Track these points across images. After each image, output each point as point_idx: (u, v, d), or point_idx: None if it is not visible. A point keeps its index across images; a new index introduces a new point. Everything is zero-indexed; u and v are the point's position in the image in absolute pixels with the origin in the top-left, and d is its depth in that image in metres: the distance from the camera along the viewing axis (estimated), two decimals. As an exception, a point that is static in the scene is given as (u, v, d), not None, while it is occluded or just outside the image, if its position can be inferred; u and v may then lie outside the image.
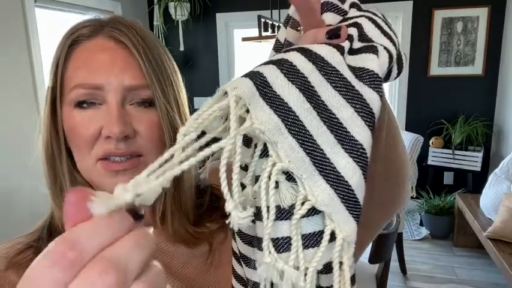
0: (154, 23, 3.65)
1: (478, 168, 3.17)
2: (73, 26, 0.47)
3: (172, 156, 0.24)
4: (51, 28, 2.81)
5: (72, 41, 0.46)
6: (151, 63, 0.45)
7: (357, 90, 0.26)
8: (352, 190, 0.26)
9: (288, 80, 0.25)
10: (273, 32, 2.45)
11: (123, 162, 0.45)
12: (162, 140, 0.47)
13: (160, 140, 0.47)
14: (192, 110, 0.44)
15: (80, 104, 0.45)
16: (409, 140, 2.61)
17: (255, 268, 0.38)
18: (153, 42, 0.47)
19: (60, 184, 0.49)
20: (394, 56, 0.31)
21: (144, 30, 0.48)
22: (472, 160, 3.18)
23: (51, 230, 0.50)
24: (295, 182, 0.26)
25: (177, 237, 0.51)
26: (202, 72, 3.80)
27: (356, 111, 0.26)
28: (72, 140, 0.47)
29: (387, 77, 0.33)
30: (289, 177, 0.26)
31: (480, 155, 3.17)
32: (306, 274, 0.25)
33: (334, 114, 0.25)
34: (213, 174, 0.58)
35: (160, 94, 0.46)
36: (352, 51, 0.29)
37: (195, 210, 0.53)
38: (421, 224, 3.35)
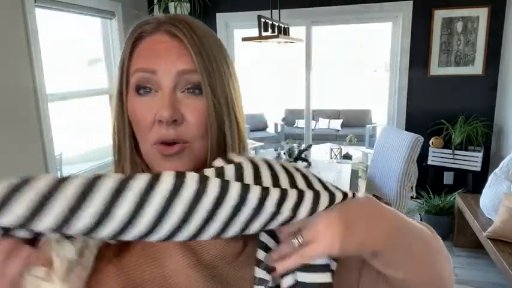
0: (154, 23, 3.65)
1: (478, 168, 3.17)
2: (137, 24, 0.53)
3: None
4: (51, 28, 2.81)
5: (136, 38, 0.53)
6: (202, 54, 0.50)
7: None
8: None
9: None
10: (273, 32, 2.45)
11: (171, 146, 0.50)
12: (208, 128, 0.51)
13: (206, 129, 0.51)
14: None
15: (138, 91, 0.51)
16: (409, 140, 2.61)
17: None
18: (206, 38, 0.52)
19: (122, 167, 0.55)
20: None
21: (201, 28, 0.53)
22: (472, 160, 3.18)
23: None
24: None
25: None
26: (202, 72, 3.80)
27: None
28: (134, 125, 0.52)
29: None
30: None
31: (480, 155, 3.17)
32: None
33: None
34: None
35: (206, 80, 0.50)
36: None
37: None
38: (421, 224, 3.35)
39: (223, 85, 0.52)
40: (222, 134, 0.52)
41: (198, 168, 0.50)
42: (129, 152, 0.54)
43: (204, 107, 0.50)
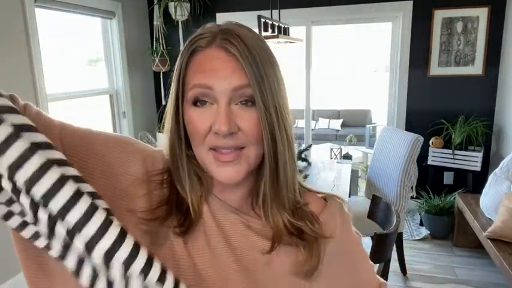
0: (154, 23, 3.65)
1: (478, 168, 3.17)
2: (192, 39, 0.57)
3: None
4: (51, 28, 2.81)
5: (191, 52, 0.56)
6: (254, 69, 0.54)
7: None
8: None
9: None
10: (273, 32, 2.45)
11: (228, 154, 0.55)
12: (261, 135, 0.56)
13: (259, 136, 0.56)
14: None
15: (195, 103, 0.56)
16: (409, 140, 2.61)
17: None
18: (257, 50, 0.55)
19: (178, 169, 0.60)
20: None
21: (252, 39, 0.56)
22: (472, 160, 3.18)
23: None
24: None
25: (275, 229, 0.61)
26: (202, 72, 3.80)
27: None
28: (190, 132, 0.57)
29: None
30: None
31: (480, 155, 3.17)
32: None
33: None
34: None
35: (258, 94, 0.54)
36: None
37: (291, 206, 0.63)
38: (421, 224, 3.35)
39: (273, 95, 0.56)
40: (273, 140, 0.56)
41: (250, 173, 0.58)
42: (185, 155, 0.60)
43: (257, 117, 0.55)
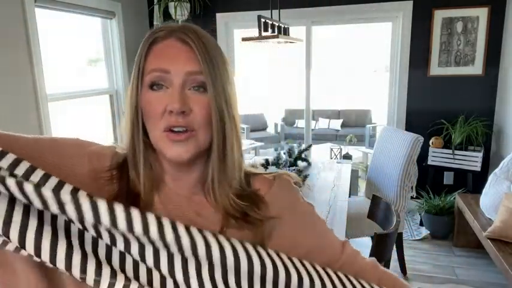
0: (154, 23, 3.65)
1: (478, 168, 3.18)
2: (153, 31, 0.64)
3: None
4: (51, 28, 2.81)
5: (151, 42, 0.62)
6: (206, 59, 0.60)
7: None
8: None
9: None
10: (273, 32, 2.45)
11: (180, 134, 0.60)
12: (211, 120, 0.61)
13: (209, 120, 0.61)
14: None
15: (152, 87, 0.61)
16: (409, 140, 2.61)
17: None
18: (211, 45, 0.62)
19: (135, 150, 0.65)
20: None
21: (206, 37, 0.63)
22: (472, 160, 3.18)
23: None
24: None
25: (222, 210, 0.66)
26: (202, 72, 3.79)
27: None
28: (146, 114, 0.62)
29: None
30: None
31: (480, 155, 3.17)
32: None
33: None
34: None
35: (210, 81, 0.60)
36: None
37: (237, 191, 0.67)
38: (421, 224, 3.35)
39: (223, 86, 0.62)
40: (222, 123, 0.62)
41: (199, 155, 0.63)
42: (142, 138, 0.64)
43: (208, 102, 0.61)
